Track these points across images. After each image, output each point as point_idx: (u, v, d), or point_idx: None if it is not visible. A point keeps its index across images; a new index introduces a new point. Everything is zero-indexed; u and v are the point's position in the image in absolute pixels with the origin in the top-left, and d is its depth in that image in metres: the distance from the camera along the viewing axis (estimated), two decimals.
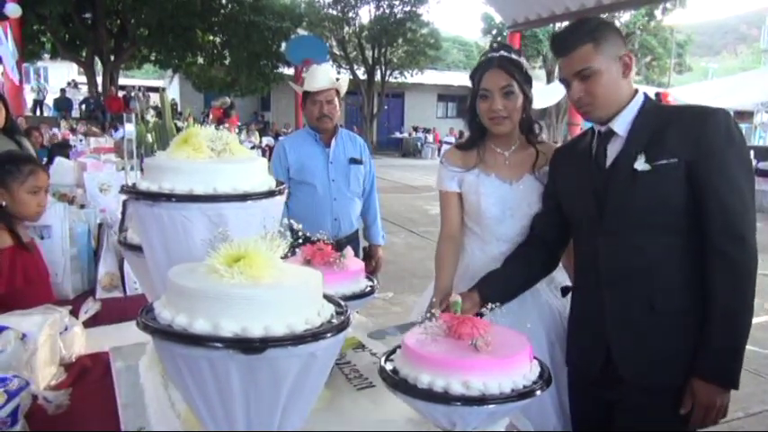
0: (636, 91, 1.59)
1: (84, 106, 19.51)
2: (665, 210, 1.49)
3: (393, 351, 1.15)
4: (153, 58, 22.16)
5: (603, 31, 1.53)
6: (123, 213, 2.36)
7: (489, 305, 1.17)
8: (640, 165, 1.49)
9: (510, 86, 1.80)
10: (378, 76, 25.72)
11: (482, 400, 0.97)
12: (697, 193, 1.46)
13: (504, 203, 1.88)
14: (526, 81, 1.85)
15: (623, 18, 24.84)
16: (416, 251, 7.47)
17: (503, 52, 1.86)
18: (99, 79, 20.83)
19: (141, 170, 2.92)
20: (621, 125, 1.56)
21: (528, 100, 1.86)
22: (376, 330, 1.65)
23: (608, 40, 1.52)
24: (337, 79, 3.04)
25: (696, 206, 1.46)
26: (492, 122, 1.84)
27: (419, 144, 26.73)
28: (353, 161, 3.10)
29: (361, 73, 25.32)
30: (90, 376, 1.51)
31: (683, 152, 1.45)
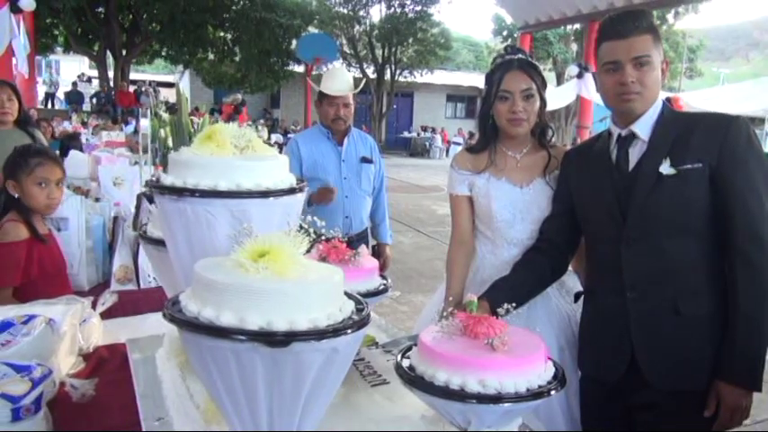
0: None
1: (95, 100, 19.63)
2: (689, 213, 1.51)
3: (409, 348, 1.17)
4: (164, 54, 22.25)
5: (659, 32, 1.57)
6: (138, 208, 2.39)
7: (505, 305, 1.18)
8: (665, 169, 1.50)
9: (530, 89, 1.82)
10: (387, 76, 25.72)
11: (498, 398, 0.99)
12: (720, 198, 1.48)
13: (515, 207, 1.89)
14: (543, 85, 1.87)
15: None
16: (424, 251, 7.48)
17: (520, 55, 1.88)
18: (110, 73, 20.96)
19: (154, 164, 2.96)
20: (644, 129, 1.58)
21: (543, 103, 1.88)
22: (389, 341, 1.67)
23: (660, 42, 1.56)
24: (357, 82, 3.07)
25: (718, 210, 1.49)
26: (510, 124, 1.85)
27: (427, 144, 26.73)
28: (364, 160, 3.13)
29: (370, 72, 25.31)
30: (107, 366, 1.54)
31: (707, 157, 1.48)
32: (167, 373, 1.34)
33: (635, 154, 1.60)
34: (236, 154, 1.16)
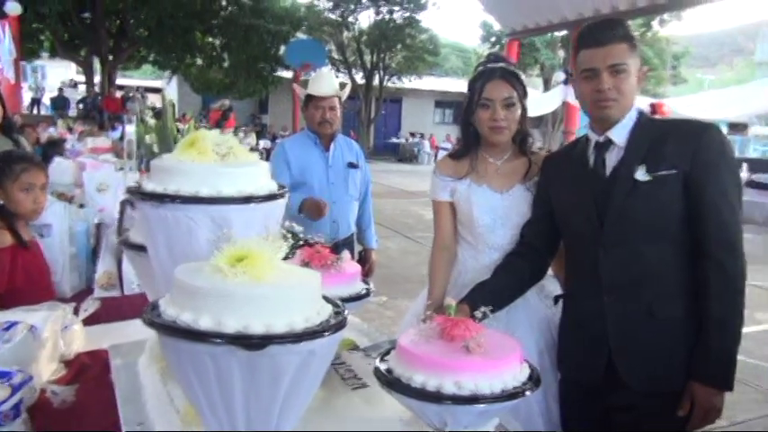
0: None
1: (81, 105, 19.50)
2: (664, 219, 1.55)
3: (387, 352, 1.19)
4: (152, 59, 22.16)
5: (635, 41, 1.61)
6: (121, 214, 2.39)
7: (482, 309, 1.21)
8: (641, 175, 1.54)
9: (511, 98, 1.86)
10: (376, 81, 25.81)
11: (473, 399, 1.01)
12: (693, 204, 1.53)
13: (495, 213, 1.92)
14: (524, 93, 1.90)
15: None
16: (411, 256, 7.51)
17: (503, 64, 1.91)
18: (97, 79, 20.83)
19: (140, 170, 2.95)
20: (620, 135, 1.62)
21: (524, 111, 1.91)
22: (370, 345, 1.69)
23: (636, 50, 1.60)
24: (342, 86, 3.10)
25: (691, 216, 1.53)
26: (492, 131, 1.88)
27: (416, 149, 26.82)
28: (351, 165, 3.16)
29: (359, 77, 25.39)
30: (89, 373, 1.54)
31: (681, 163, 1.52)
32: (148, 378, 1.35)
33: (612, 160, 1.64)
34: (218, 161, 1.18)
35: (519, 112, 1.89)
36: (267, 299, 0.86)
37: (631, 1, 8.64)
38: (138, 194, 1.12)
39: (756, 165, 14.37)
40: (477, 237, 1.96)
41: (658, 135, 1.58)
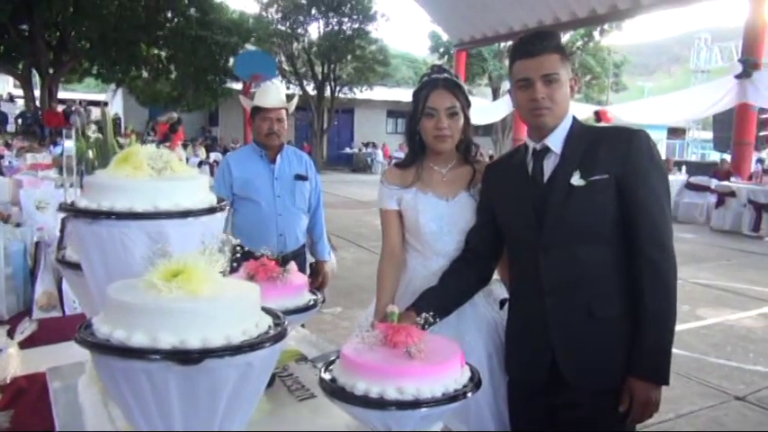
0: None
1: (20, 120, 18.75)
2: (599, 222, 1.62)
3: (332, 362, 1.19)
4: (95, 72, 21.55)
5: (566, 52, 1.68)
6: (62, 231, 2.31)
7: (423, 315, 1.23)
8: (576, 180, 1.61)
9: (454, 107, 1.91)
10: (327, 92, 25.81)
11: (415, 404, 1.02)
12: (625, 206, 1.60)
13: (441, 220, 1.95)
14: (467, 104, 1.96)
15: (563, 38, 25.85)
16: (365, 266, 7.50)
17: (446, 75, 1.96)
18: (37, 92, 20.09)
19: (81, 187, 2.86)
20: (556, 142, 1.68)
21: (467, 121, 1.97)
22: (319, 356, 1.69)
23: (568, 60, 1.67)
24: (289, 98, 3.10)
25: (624, 217, 1.60)
26: (436, 140, 1.92)
27: (369, 159, 26.94)
28: (299, 177, 3.15)
29: (310, 89, 25.36)
30: (26, 397, 1.48)
31: (613, 168, 1.60)
32: (88, 400, 1.31)
33: (549, 166, 1.70)
34: (154, 175, 1.16)
35: (462, 121, 1.94)
36: (203, 313, 0.86)
37: (572, 12, 8.97)
38: (70, 211, 1.10)
39: (695, 167, 15.06)
40: (424, 244, 1.99)
41: (591, 141, 1.65)
